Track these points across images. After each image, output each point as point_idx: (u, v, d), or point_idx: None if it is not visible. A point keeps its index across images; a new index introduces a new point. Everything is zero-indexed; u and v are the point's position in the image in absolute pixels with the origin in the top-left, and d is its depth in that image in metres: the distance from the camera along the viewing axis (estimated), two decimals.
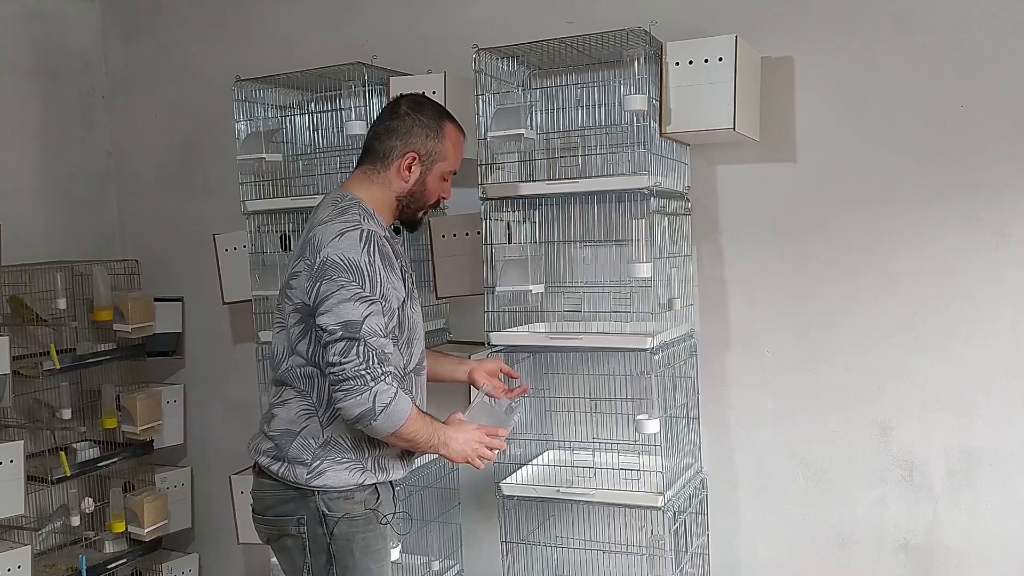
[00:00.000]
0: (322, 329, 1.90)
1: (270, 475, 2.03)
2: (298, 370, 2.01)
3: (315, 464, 1.98)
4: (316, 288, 1.91)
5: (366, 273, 1.91)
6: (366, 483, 2.02)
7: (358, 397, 1.87)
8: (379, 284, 1.93)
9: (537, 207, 2.65)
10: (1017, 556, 2.44)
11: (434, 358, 2.35)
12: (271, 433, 2.03)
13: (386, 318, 1.94)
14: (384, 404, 1.88)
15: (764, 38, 2.54)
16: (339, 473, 1.99)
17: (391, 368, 1.92)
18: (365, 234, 1.95)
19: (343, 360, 1.87)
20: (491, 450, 2.11)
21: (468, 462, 2.08)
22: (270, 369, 2.10)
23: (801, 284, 2.60)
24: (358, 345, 1.87)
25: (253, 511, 2.10)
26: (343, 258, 1.91)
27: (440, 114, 2.12)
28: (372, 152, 2.09)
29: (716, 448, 2.74)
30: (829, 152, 2.55)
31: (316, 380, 1.99)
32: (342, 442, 2.00)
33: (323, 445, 1.99)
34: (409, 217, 2.15)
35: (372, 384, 1.87)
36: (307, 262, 1.95)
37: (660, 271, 2.42)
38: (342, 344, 1.87)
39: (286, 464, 2.00)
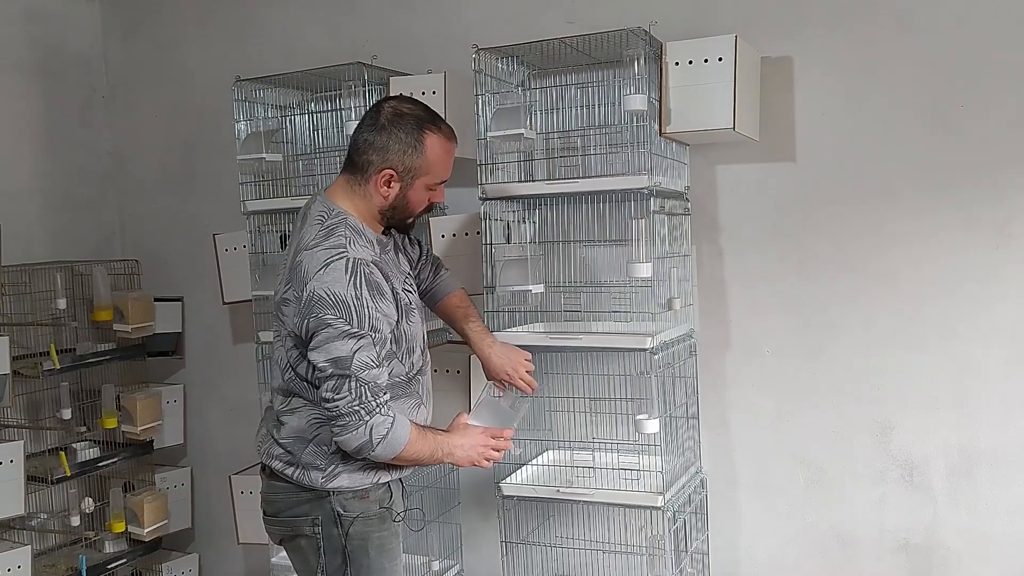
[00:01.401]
0: (313, 365, 1.90)
1: (284, 478, 2.03)
2: (302, 383, 2.00)
3: (330, 468, 1.99)
4: (304, 324, 1.89)
5: (353, 308, 1.87)
6: (381, 481, 2.03)
7: (354, 432, 1.87)
8: (367, 318, 1.89)
9: (537, 207, 2.65)
10: (1017, 556, 2.44)
11: (462, 321, 2.33)
12: (282, 440, 2.03)
13: (378, 347, 1.92)
14: (381, 436, 1.88)
15: (764, 38, 2.54)
16: (354, 474, 2.00)
17: (386, 397, 1.91)
18: (351, 264, 1.90)
19: (336, 397, 1.86)
20: (497, 451, 2.11)
21: (475, 465, 2.09)
22: (277, 375, 2.08)
23: (801, 284, 2.60)
24: (349, 381, 1.86)
25: (264, 513, 2.10)
26: (329, 293, 1.87)
27: (420, 126, 1.99)
28: (352, 163, 2.04)
29: (716, 448, 2.74)
30: (829, 152, 2.55)
31: None
32: None
33: (336, 451, 1.98)
34: (396, 225, 2.11)
35: (367, 418, 1.87)
36: (295, 293, 1.92)
37: (660, 271, 2.42)
38: (333, 381, 1.87)
39: (300, 468, 2.00)
